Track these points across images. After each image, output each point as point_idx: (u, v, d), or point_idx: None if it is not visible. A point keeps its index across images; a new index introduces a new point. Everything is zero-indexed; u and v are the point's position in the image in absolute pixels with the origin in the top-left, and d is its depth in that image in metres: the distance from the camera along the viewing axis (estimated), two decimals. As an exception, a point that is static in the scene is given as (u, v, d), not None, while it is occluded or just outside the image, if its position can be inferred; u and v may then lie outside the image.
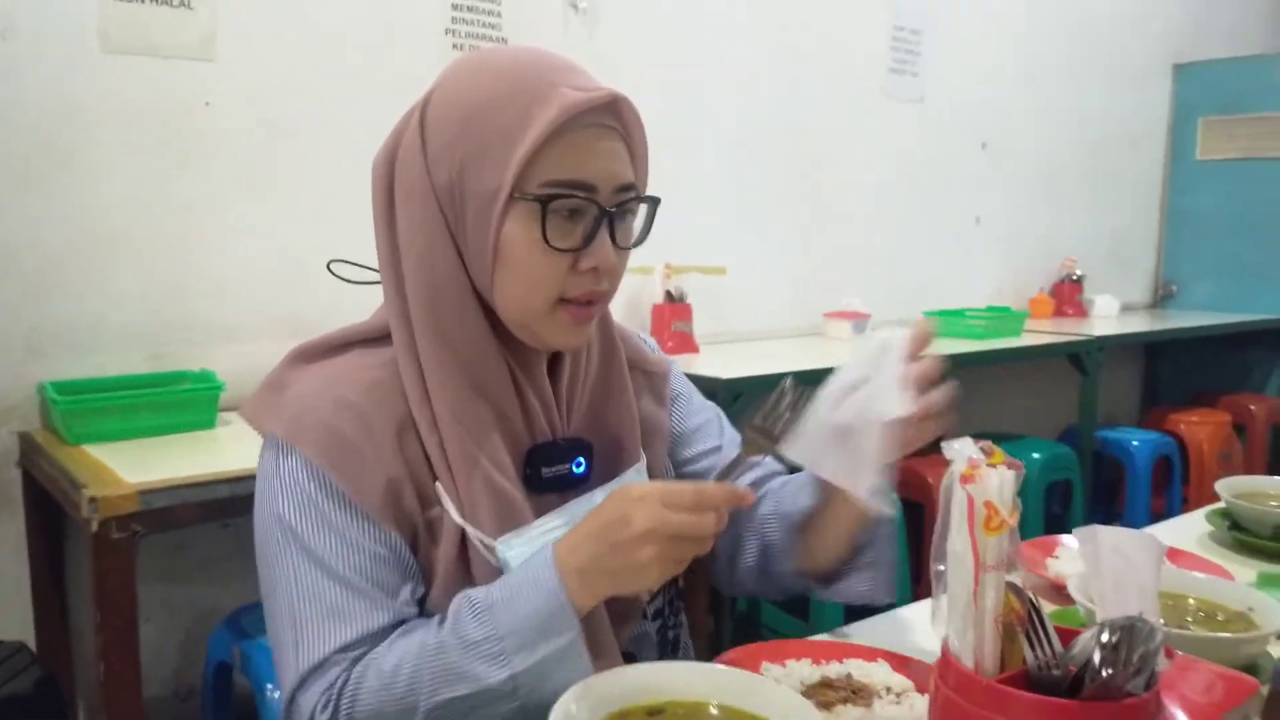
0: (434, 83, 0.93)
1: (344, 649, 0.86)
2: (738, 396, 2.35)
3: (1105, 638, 0.65)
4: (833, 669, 0.96)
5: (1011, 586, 0.71)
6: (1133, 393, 4.81)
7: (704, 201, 3.02)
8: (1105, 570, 0.79)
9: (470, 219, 0.89)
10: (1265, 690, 0.78)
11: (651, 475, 1.06)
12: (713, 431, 1.15)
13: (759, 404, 0.91)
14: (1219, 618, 1.07)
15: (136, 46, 2.03)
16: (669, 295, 2.81)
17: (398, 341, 0.93)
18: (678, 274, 2.83)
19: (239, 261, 2.20)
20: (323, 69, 2.28)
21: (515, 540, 0.92)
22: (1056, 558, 1.33)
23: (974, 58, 3.77)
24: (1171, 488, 3.82)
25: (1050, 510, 3.44)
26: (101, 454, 1.75)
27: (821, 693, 0.90)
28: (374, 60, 2.34)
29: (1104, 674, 0.64)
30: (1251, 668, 0.96)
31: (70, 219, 1.99)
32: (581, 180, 0.88)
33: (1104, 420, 3.97)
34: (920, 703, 0.89)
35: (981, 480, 0.70)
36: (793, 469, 1.09)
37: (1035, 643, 0.70)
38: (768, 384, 2.38)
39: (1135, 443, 3.69)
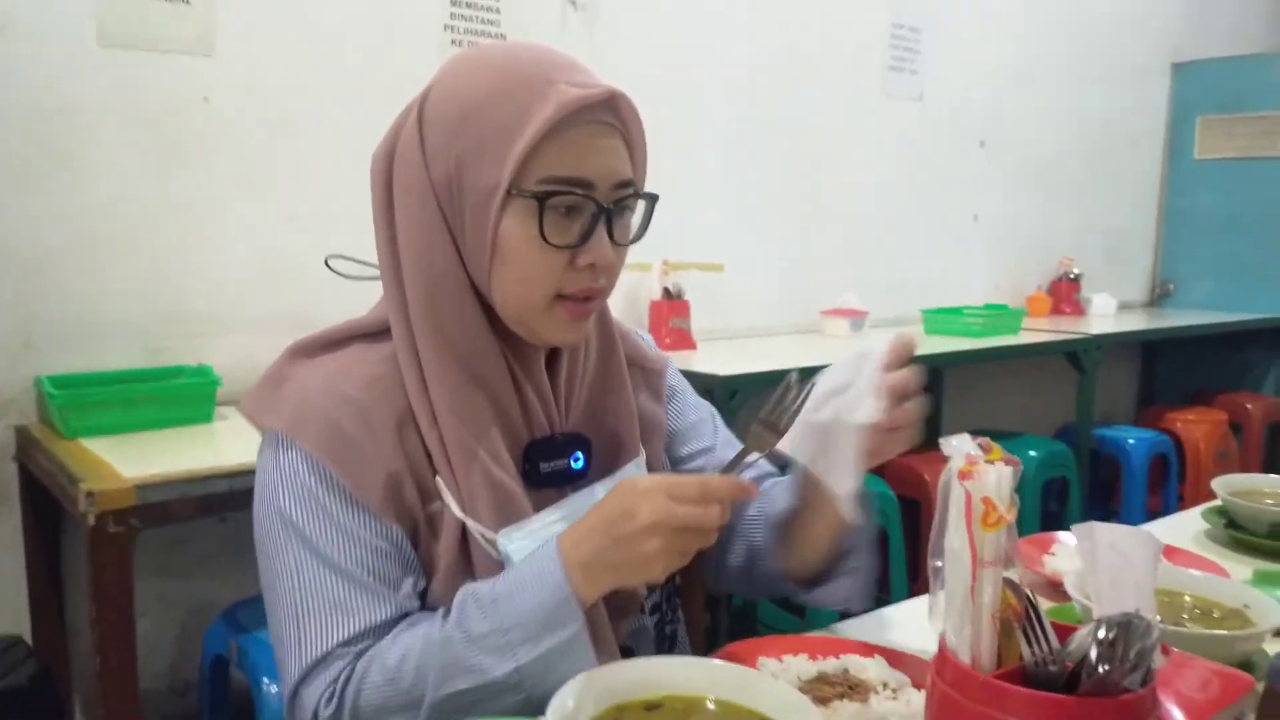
0: (433, 78, 0.93)
1: (347, 643, 0.86)
2: (735, 393, 2.35)
3: (1102, 634, 0.65)
4: (829, 664, 0.96)
5: (1009, 583, 0.71)
6: (1129, 391, 4.82)
7: (702, 198, 3.02)
8: (1102, 567, 0.79)
9: (468, 215, 0.89)
10: (1260, 687, 0.78)
11: (650, 470, 1.06)
12: (706, 431, 1.16)
13: (766, 397, 0.91)
14: (1215, 615, 1.07)
15: (134, 41, 2.03)
16: (667, 292, 2.81)
17: (397, 336, 0.93)
18: (675, 270, 2.83)
19: (236, 256, 2.19)
20: (321, 64, 2.28)
21: (516, 533, 0.92)
22: (1053, 554, 1.33)
23: (973, 56, 3.77)
24: (1168, 486, 3.82)
25: (1047, 508, 3.45)
26: (98, 448, 1.75)
27: (818, 688, 0.90)
28: (372, 56, 2.34)
29: (1101, 670, 0.64)
30: (1247, 665, 0.96)
31: (67, 213, 1.99)
32: (579, 177, 0.88)
33: (1101, 418, 3.97)
34: (916, 698, 0.89)
35: (979, 476, 0.70)
36: (783, 467, 1.10)
37: (1032, 639, 0.70)
38: (765, 381, 2.41)
39: (1132, 441, 3.70)
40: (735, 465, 0.90)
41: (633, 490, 0.84)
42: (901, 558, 2.76)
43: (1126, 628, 0.65)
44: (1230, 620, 1.06)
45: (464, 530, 0.92)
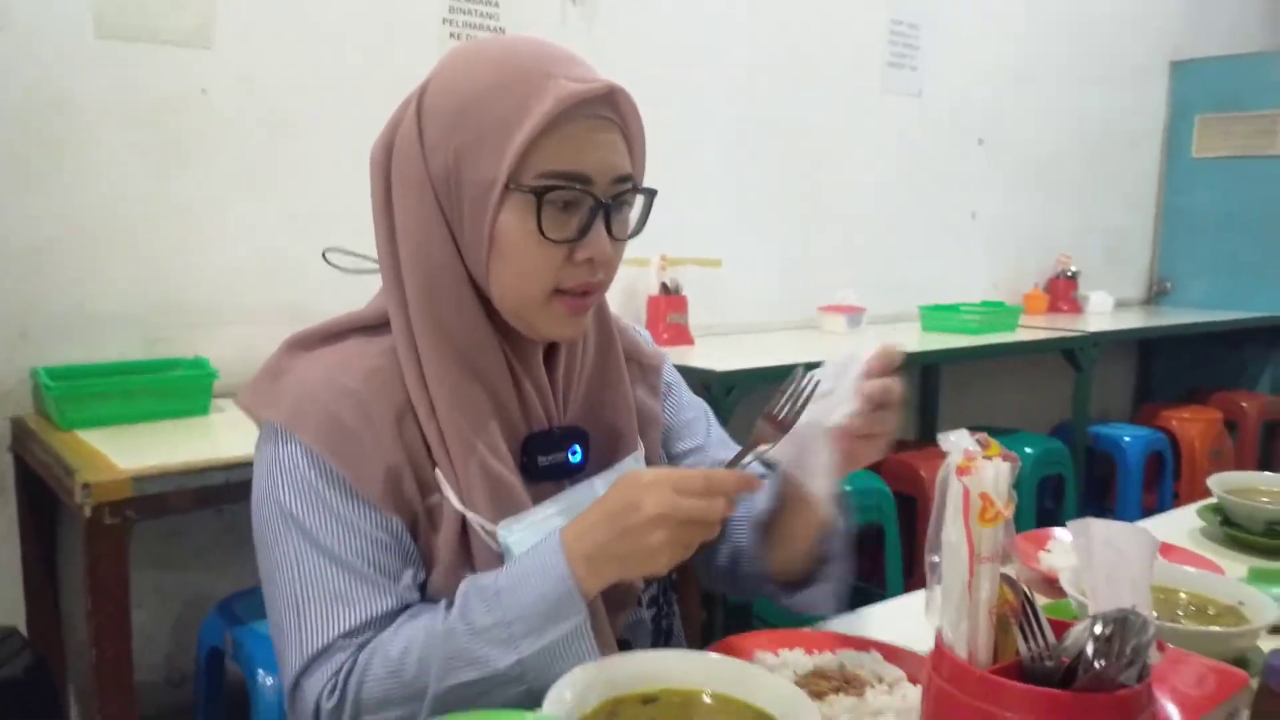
0: (431, 71, 0.93)
1: (348, 634, 0.86)
2: (731, 389, 2.35)
3: (1098, 630, 0.65)
4: (825, 659, 0.96)
5: (1006, 578, 0.71)
6: (1126, 389, 4.83)
7: (700, 193, 3.02)
8: (1098, 563, 0.79)
9: (466, 208, 0.89)
10: (1255, 684, 0.79)
11: (649, 464, 1.06)
12: (699, 429, 1.16)
13: (772, 391, 0.92)
14: (1210, 612, 1.08)
15: (132, 32, 2.02)
16: (664, 287, 2.81)
17: (396, 329, 0.93)
18: (673, 266, 2.83)
19: (234, 248, 2.19)
20: (320, 57, 2.27)
21: (516, 525, 0.92)
22: (1049, 551, 1.33)
23: (972, 53, 3.77)
24: (1163, 484, 3.83)
25: (1043, 505, 3.46)
26: (94, 439, 1.75)
27: (814, 682, 0.91)
28: (370, 49, 2.33)
29: (1097, 665, 0.64)
30: (1242, 661, 0.96)
31: (64, 204, 1.98)
32: (577, 172, 0.87)
33: (1097, 416, 3.98)
34: (912, 693, 0.89)
35: (977, 472, 0.70)
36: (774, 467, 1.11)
37: (1029, 634, 0.70)
38: (762, 376, 2.41)
39: (1127, 438, 3.71)
40: (740, 459, 0.90)
41: (637, 483, 0.84)
42: (897, 553, 2.77)
43: (1123, 623, 0.65)
44: (1225, 617, 1.06)
45: (464, 522, 0.92)
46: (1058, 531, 1.37)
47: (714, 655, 0.87)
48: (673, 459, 1.13)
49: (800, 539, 1.02)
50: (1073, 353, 3.43)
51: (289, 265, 2.23)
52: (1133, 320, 4.11)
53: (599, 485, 0.98)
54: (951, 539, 0.71)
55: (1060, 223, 4.29)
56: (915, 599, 1.21)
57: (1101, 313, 4.17)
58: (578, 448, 0.99)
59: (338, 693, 0.85)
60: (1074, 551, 0.92)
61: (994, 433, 0.75)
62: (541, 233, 0.87)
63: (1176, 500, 3.78)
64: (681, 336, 2.82)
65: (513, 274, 0.90)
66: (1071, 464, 3.40)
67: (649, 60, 2.86)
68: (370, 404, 0.90)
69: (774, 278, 3.29)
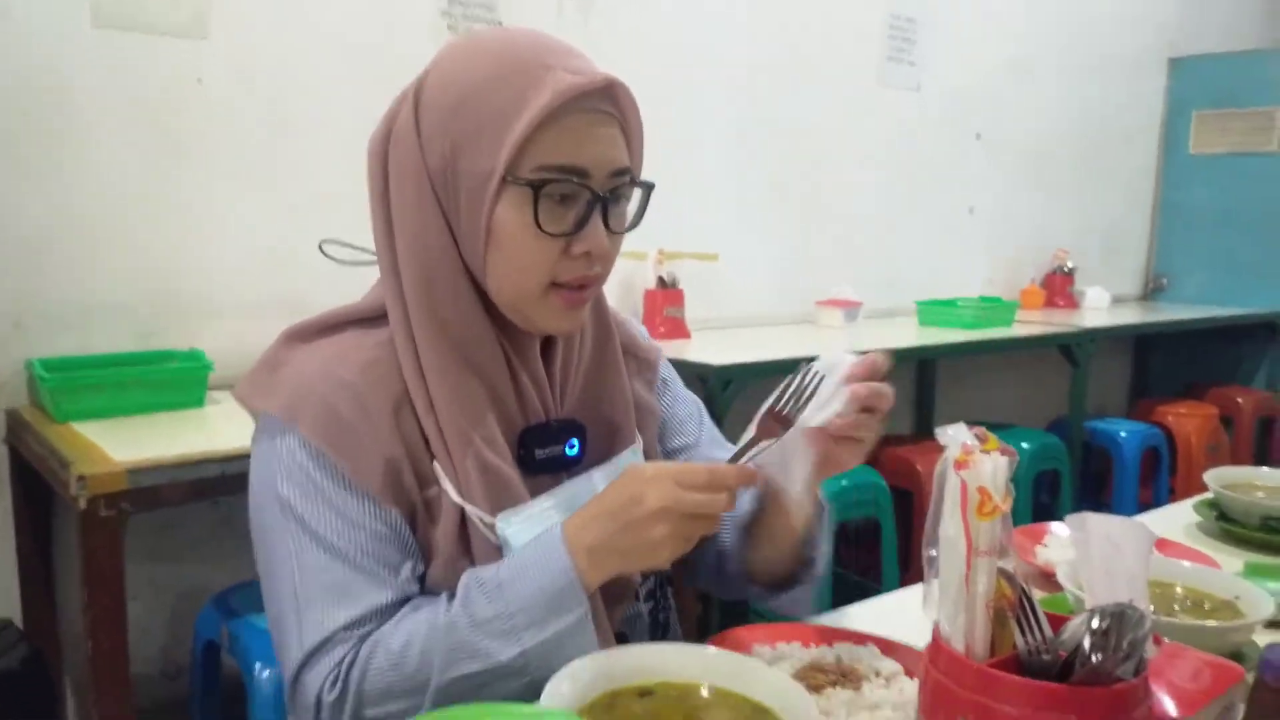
0: (429, 63, 0.92)
1: (349, 626, 0.86)
2: (729, 383, 2.35)
3: (1096, 623, 0.65)
4: (822, 653, 0.96)
5: (1003, 572, 0.71)
6: (1122, 384, 4.84)
7: (697, 187, 3.02)
8: (1095, 557, 0.79)
9: (463, 200, 0.89)
10: (1251, 678, 0.79)
11: (647, 457, 1.06)
12: (691, 427, 1.16)
13: (775, 386, 0.91)
14: (1206, 606, 1.08)
15: (128, 21, 2.01)
16: (661, 281, 2.81)
17: (393, 321, 0.92)
18: (670, 259, 2.82)
19: (229, 240, 2.18)
20: (315, 48, 2.26)
21: (515, 517, 0.92)
22: (1045, 545, 1.33)
23: (970, 48, 3.77)
24: (1159, 479, 3.84)
25: (1039, 500, 3.46)
26: (89, 431, 1.74)
27: (811, 675, 0.91)
28: (367, 41, 2.33)
29: (1094, 659, 0.64)
30: (1237, 655, 0.97)
31: (59, 195, 1.98)
32: (575, 165, 0.87)
33: (1093, 411, 3.98)
34: (909, 686, 0.89)
35: (975, 466, 0.70)
36: None
37: (1026, 628, 0.70)
38: (759, 371, 2.41)
39: (1124, 434, 3.71)
40: (743, 454, 0.90)
41: (640, 476, 0.84)
42: (893, 547, 2.77)
43: (1120, 618, 0.65)
44: (1221, 612, 1.06)
45: (462, 515, 0.91)
46: (1054, 526, 1.37)
47: (711, 648, 0.87)
48: (665, 455, 1.13)
49: (781, 540, 1.02)
50: (1069, 348, 3.43)
51: (285, 257, 2.22)
52: (1129, 316, 4.11)
53: (597, 478, 0.98)
54: (949, 533, 0.71)
55: (1057, 218, 4.29)
56: (911, 593, 1.21)
57: (1098, 308, 4.17)
58: (575, 441, 0.99)
59: (339, 685, 0.85)
60: (1071, 546, 0.92)
61: (990, 428, 0.75)
62: (538, 226, 0.87)
63: (1172, 496, 3.78)
64: (678, 330, 2.82)
65: (509, 267, 0.89)
66: (1068, 459, 3.40)
67: (645, 52, 2.86)
68: (368, 396, 0.89)
69: (771, 272, 3.29)
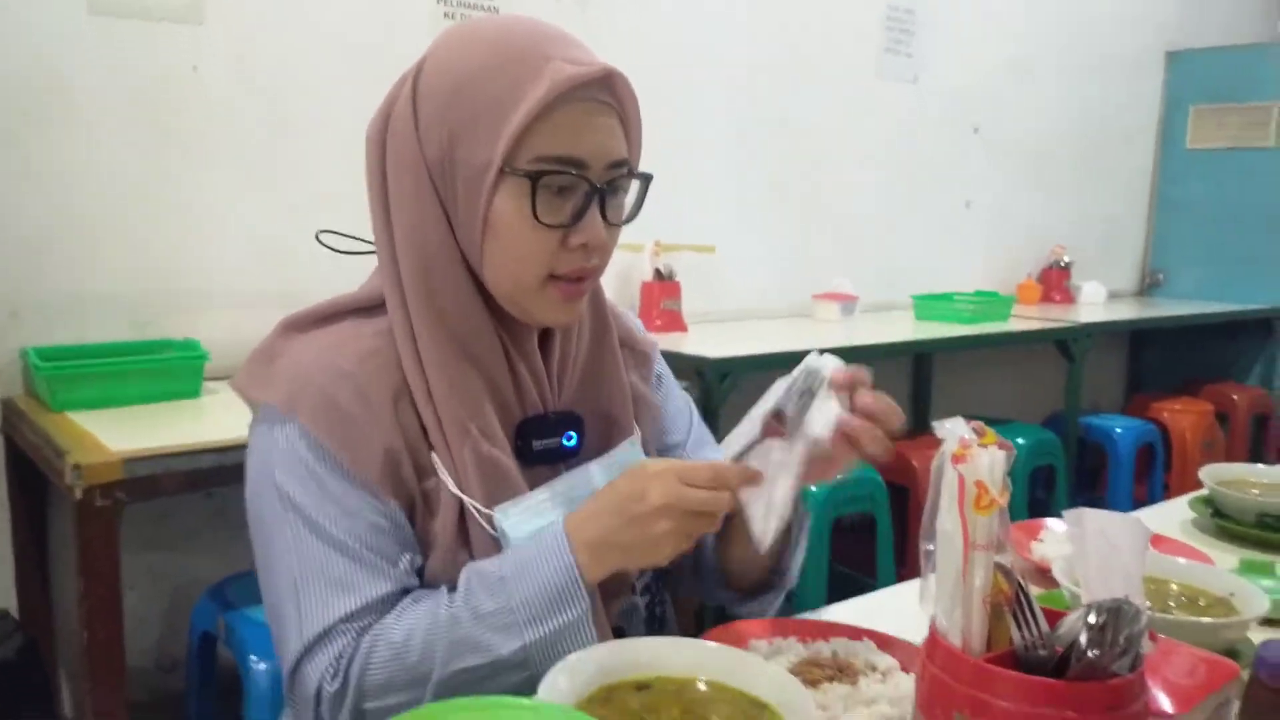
0: (426, 51, 0.92)
1: (348, 618, 0.86)
2: (725, 375, 2.35)
3: (1092, 619, 0.65)
4: (819, 647, 0.96)
5: (1000, 567, 0.71)
6: (1118, 380, 4.84)
7: (695, 179, 3.01)
8: (1091, 553, 0.79)
9: (460, 190, 0.88)
10: (1245, 675, 0.79)
11: (645, 449, 1.06)
12: (682, 425, 1.15)
13: (774, 384, 0.91)
14: (1201, 603, 1.08)
15: (124, 8, 2.00)
16: (658, 273, 2.81)
17: (392, 310, 0.92)
18: (667, 252, 2.82)
19: (226, 230, 2.18)
20: (311, 36, 2.25)
21: (512, 509, 0.92)
22: (1041, 541, 1.33)
23: (968, 41, 3.76)
24: (1154, 475, 3.84)
25: (1034, 495, 3.47)
26: (85, 421, 1.74)
27: (808, 671, 0.91)
28: (363, 29, 2.32)
29: (1090, 655, 0.64)
30: (1232, 652, 0.96)
31: (54, 184, 1.97)
32: (572, 156, 0.87)
33: (1089, 407, 3.99)
34: (905, 681, 0.89)
35: (972, 460, 0.70)
36: None
37: (1022, 623, 0.70)
38: (756, 364, 2.41)
39: (1119, 429, 3.72)
40: (745, 453, 0.89)
41: (643, 473, 0.84)
42: (889, 543, 2.77)
43: (1116, 613, 0.65)
44: (1216, 608, 1.07)
45: (461, 507, 0.91)
46: (1050, 522, 1.38)
47: (708, 643, 0.87)
48: (656, 452, 1.13)
49: (753, 551, 1.01)
50: (1065, 343, 3.44)
51: (281, 247, 2.21)
52: (1125, 311, 4.11)
53: (594, 470, 0.98)
54: (946, 527, 0.71)
55: (1054, 213, 4.29)
56: (908, 588, 1.21)
57: (1094, 303, 4.17)
58: (573, 433, 0.98)
59: (340, 677, 0.84)
60: (1068, 541, 0.92)
61: (986, 423, 0.75)
62: (536, 217, 0.86)
63: (1167, 492, 3.79)
64: (675, 323, 2.82)
65: (507, 258, 0.89)
66: (1063, 455, 3.41)
67: (644, 43, 2.85)
68: (367, 386, 0.89)
69: (768, 265, 3.29)
